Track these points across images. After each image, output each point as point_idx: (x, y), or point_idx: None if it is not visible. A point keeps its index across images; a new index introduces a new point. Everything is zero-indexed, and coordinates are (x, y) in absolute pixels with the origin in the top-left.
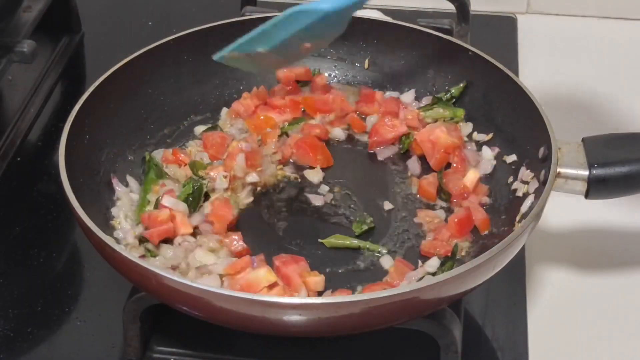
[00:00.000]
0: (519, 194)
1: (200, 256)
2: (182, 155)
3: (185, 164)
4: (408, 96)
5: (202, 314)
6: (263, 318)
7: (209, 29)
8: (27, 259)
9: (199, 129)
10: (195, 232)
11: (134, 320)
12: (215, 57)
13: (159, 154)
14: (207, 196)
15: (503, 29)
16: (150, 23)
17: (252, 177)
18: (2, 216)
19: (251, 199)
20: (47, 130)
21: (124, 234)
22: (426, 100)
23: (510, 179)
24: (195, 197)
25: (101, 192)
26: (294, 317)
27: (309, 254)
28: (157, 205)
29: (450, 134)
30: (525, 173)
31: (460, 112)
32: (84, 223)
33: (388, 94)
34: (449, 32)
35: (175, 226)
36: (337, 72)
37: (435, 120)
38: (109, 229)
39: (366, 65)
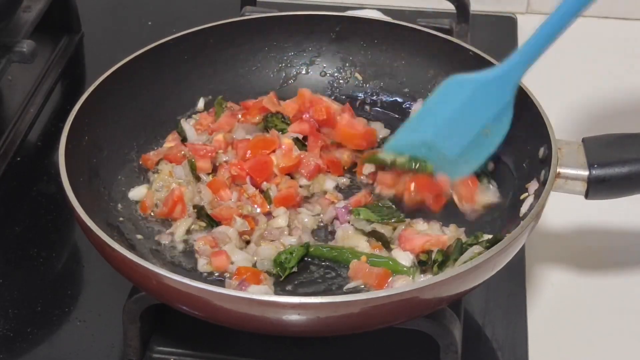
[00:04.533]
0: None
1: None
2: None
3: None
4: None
5: (202, 313)
6: (263, 318)
7: (209, 29)
8: (27, 259)
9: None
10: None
11: (134, 320)
12: (386, 147)
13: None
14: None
15: (503, 29)
16: (150, 23)
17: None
18: (2, 216)
19: None
20: (47, 130)
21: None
22: None
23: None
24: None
25: (101, 192)
26: (294, 317)
27: None
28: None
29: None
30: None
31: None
32: (84, 223)
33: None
34: (449, 32)
35: None
36: (333, 72)
37: None
38: (109, 228)
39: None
